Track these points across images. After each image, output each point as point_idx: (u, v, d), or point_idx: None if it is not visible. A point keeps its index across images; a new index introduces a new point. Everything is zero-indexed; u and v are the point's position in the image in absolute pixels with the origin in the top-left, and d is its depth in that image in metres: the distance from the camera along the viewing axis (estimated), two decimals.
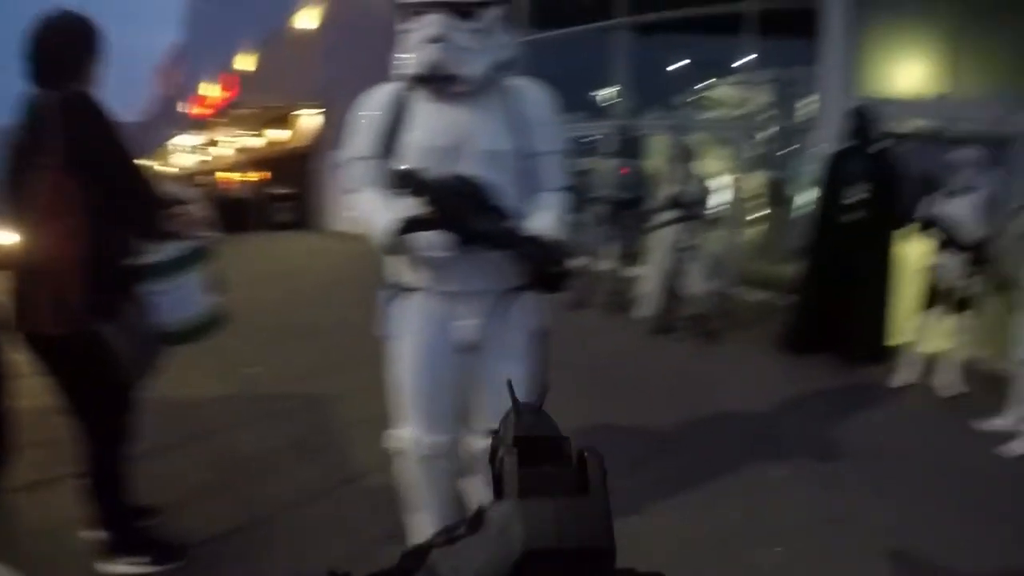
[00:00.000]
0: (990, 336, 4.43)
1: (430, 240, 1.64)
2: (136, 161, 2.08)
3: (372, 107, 1.89)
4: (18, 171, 1.90)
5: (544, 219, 1.77)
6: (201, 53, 28.73)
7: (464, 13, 1.68)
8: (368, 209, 1.79)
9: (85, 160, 1.84)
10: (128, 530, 2.16)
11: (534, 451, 0.55)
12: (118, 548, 2.14)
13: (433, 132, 1.78)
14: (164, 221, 2.14)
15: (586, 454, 0.53)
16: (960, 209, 4.16)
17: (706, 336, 5.30)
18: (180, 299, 2.09)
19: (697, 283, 5.34)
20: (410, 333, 1.86)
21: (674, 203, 5.32)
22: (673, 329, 5.46)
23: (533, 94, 1.89)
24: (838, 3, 6.21)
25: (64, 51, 1.96)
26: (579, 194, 5.08)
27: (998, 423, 3.68)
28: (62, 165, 1.81)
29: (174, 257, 2.11)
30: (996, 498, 3.02)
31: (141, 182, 2.05)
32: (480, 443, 1.91)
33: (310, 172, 16.21)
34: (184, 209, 2.30)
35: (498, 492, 0.53)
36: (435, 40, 1.68)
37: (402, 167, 1.71)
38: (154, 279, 2.04)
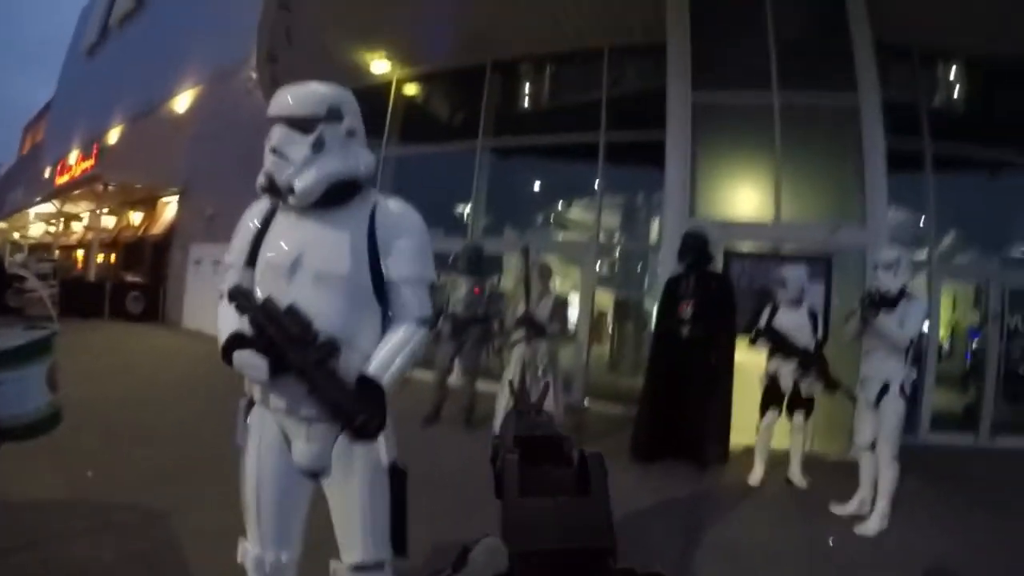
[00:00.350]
0: (829, 430, 5.18)
1: (248, 360, 1.65)
2: None
3: (250, 215, 1.89)
4: None
5: (379, 358, 1.70)
6: (72, 116, 27.30)
7: (303, 127, 1.72)
8: (220, 317, 1.78)
9: None
10: None
11: (535, 451, 0.76)
12: None
13: (277, 247, 1.77)
14: (8, 297, 1.89)
15: (587, 454, 0.76)
16: (791, 320, 4.73)
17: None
18: (19, 393, 2.02)
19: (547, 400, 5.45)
20: (253, 447, 1.83)
21: (527, 321, 5.47)
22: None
23: (394, 214, 1.78)
24: (678, 135, 6.77)
25: None
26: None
27: (852, 506, 4.09)
28: None
29: (18, 345, 2.03)
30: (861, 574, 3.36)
31: None
32: (339, 569, 1.81)
33: (165, 263, 15.38)
34: (31, 287, 2.06)
35: (499, 491, 0.77)
36: (272, 151, 1.72)
37: (234, 283, 1.76)
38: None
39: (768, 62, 6.60)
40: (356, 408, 1.60)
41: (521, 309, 5.60)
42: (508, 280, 8.83)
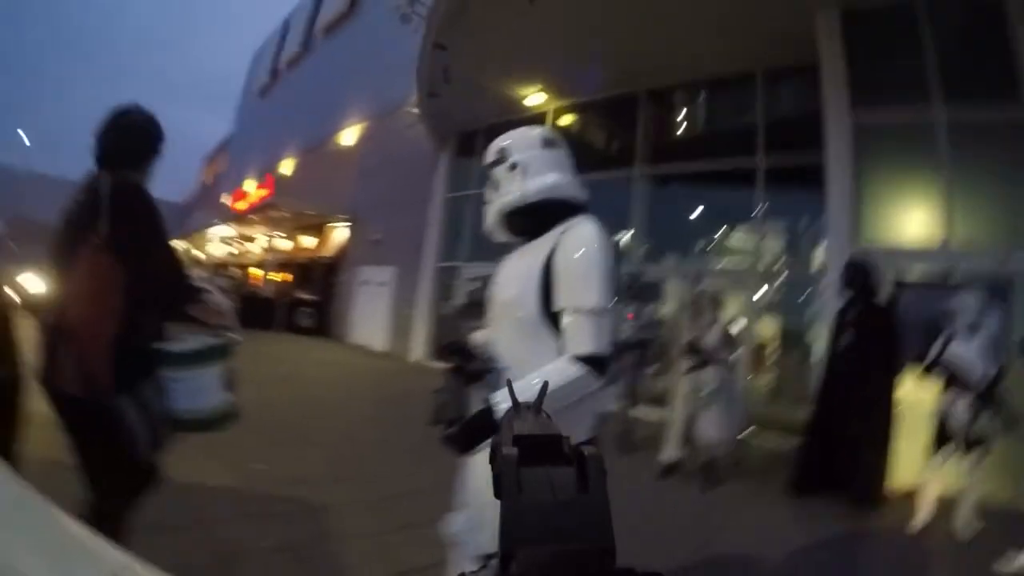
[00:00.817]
0: (1003, 474, 4.64)
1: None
2: (175, 251, 2.26)
3: None
4: (67, 240, 2.10)
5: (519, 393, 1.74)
6: (248, 149, 31.06)
7: (489, 176, 1.93)
8: None
9: (126, 244, 2.04)
10: None
11: (534, 450, 0.57)
12: None
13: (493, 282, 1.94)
14: (193, 308, 2.32)
15: (586, 453, 0.56)
16: (965, 351, 4.46)
17: (714, 481, 5.36)
18: (197, 389, 2.21)
19: (713, 429, 5.44)
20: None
21: (694, 349, 5.53)
22: (681, 472, 5.57)
23: (571, 237, 1.70)
24: (838, 156, 6.77)
25: (128, 143, 2.22)
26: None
27: (1022, 560, 3.74)
28: (105, 245, 2.01)
29: (198, 349, 2.24)
30: None
31: (176, 269, 2.23)
32: None
33: (335, 282, 17.19)
34: (212, 299, 2.44)
35: (497, 492, 0.55)
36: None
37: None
38: (176, 366, 2.18)
39: (927, 75, 6.42)
40: (449, 422, 1.67)
41: (688, 337, 5.65)
42: (666, 307, 9.06)
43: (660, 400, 7.41)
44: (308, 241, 19.43)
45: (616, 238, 10.22)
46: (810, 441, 5.32)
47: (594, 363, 1.61)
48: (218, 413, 2.35)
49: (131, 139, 2.23)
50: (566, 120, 11.44)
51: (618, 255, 1.79)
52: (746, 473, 5.73)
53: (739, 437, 5.81)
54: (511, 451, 0.57)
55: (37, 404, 2.43)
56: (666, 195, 9.89)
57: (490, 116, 12.24)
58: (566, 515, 0.51)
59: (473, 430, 1.59)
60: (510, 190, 1.84)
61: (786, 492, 5.24)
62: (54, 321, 2.10)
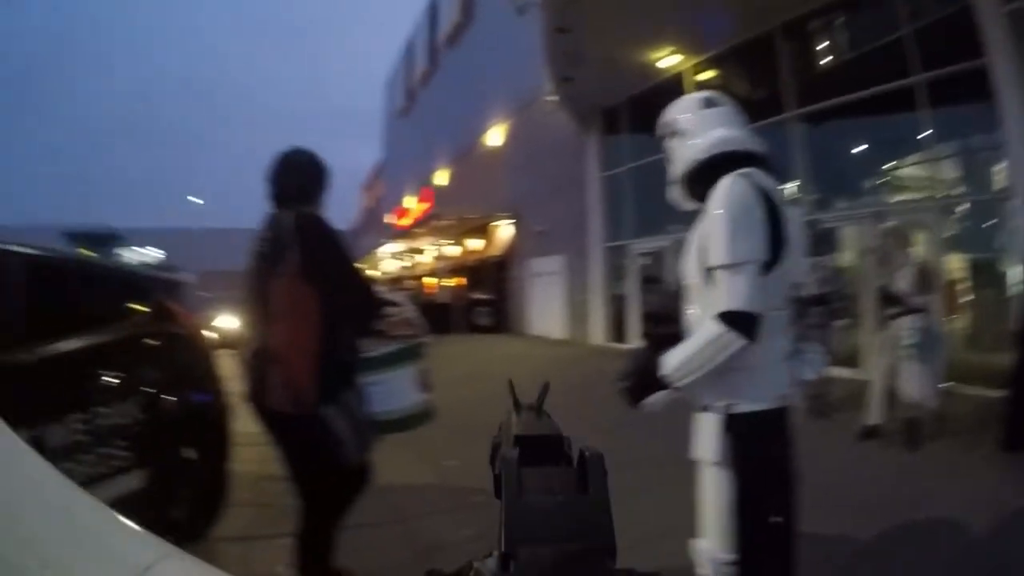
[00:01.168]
0: None
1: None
2: (360, 271, 2.50)
3: None
4: (259, 274, 2.33)
5: (672, 356, 1.75)
6: (400, 169, 33.52)
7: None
8: None
9: (316, 271, 2.24)
10: None
11: (535, 450, 0.57)
12: None
13: None
14: (381, 321, 2.50)
15: (587, 454, 0.56)
16: None
17: (919, 441, 5.01)
18: (393, 392, 2.36)
19: (916, 384, 4.99)
20: None
21: (889, 297, 5.12)
22: (882, 434, 5.22)
23: (712, 197, 1.73)
24: (1005, 54, 6.17)
25: (299, 181, 2.46)
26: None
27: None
28: (298, 274, 2.22)
29: (390, 353, 2.40)
30: None
31: (364, 288, 2.44)
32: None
33: (507, 279, 18.40)
34: (397, 311, 2.60)
35: (498, 492, 0.55)
36: None
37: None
38: (372, 372, 2.36)
39: None
40: (626, 376, 1.88)
41: (881, 284, 5.27)
42: (845, 256, 8.59)
43: (851, 358, 7.23)
44: (475, 244, 20.75)
45: (780, 188, 9.57)
46: (1018, 391, 4.84)
47: (734, 321, 1.61)
48: (414, 412, 2.50)
49: (301, 177, 2.47)
50: (705, 76, 11.40)
51: (774, 206, 1.71)
52: (952, 430, 5.29)
53: (942, 390, 5.30)
54: (512, 451, 0.59)
55: (240, 426, 2.99)
56: (823, 135, 9.38)
57: (628, 88, 12.51)
58: (567, 515, 0.52)
59: (642, 385, 1.82)
60: (680, 156, 1.92)
61: (1000, 448, 4.78)
62: (258, 347, 2.34)
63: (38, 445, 2.23)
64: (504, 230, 18.97)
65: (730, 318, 1.61)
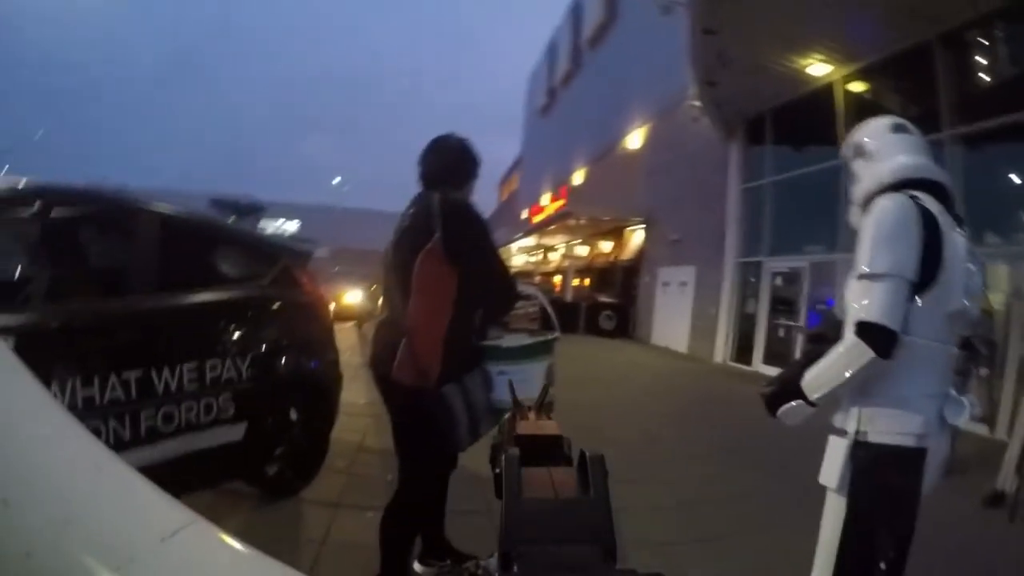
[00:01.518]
0: None
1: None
2: (500, 259, 2.52)
3: None
4: (401, 249, 2.41)
5: (812, 367, 1.77)
6: (537, 166, 34.16)
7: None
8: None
9: (459, 252, 2.29)
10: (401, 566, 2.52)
11: (536, 450, 0.57)
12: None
13: None
14: (513, 312, 2.58)
15: (587, 454, 0.55)
16: None
17: None
18: (524, 382, 2.29)
19: None
20: None
21: None
22: (1012, 503, 4.73)
23: (871, 210, 1.76)
24: None
25: (449, 164, 2.54)
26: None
27: None
28: (440, 252, 2.27)
29: (527, 344, 2.44)
30: None
31: (503, 276, 2.50)
32: None
33: (635, 285, 18.44)
34: (530, 304, 2.71)
35: (498, 492, 0.53)
36: None
37: None
38: (506, 361, 2.39)
39: None
40: (771, 383, 1.90)
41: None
42: (994, 298, 7.56)
43: (989, 415, 6.49)
44: (606, 246, 20.83)
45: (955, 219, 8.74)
46: None
47: (867, 332, 1.61)
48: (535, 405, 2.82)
49: (451, 160, 2.55)
50: (856, 88, 10.93)
51: (937, 230, 1.70)
52: None
53: None
54: (513, 451, 0.57)
55: (349, 396, 3.17)
56: (979, 159, 8.61)
57: (775, 96, 12.21)
58: (567, 515, 0.51)
59: (782, 393, 1.80)
60: (866, 177, 1.91)
61: None
62: (391, 318, 2.47)
63: (145, 385, 2.71)
64: (636, 235, 19.04)
65: (864, 329, 1.61)
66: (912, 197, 1.71)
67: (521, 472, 0.61)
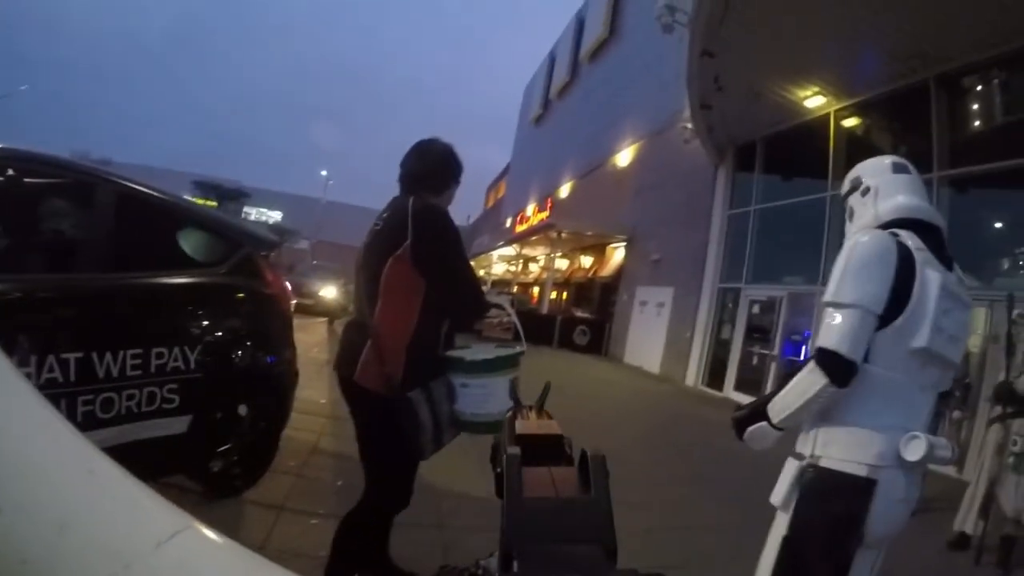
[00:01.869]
0: None
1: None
2: (470, 269, 2.52)
3: None
4: (372, 253, 2.39)
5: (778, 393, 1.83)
6: (525, 175, 34.19)
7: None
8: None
9: (427, 259, 2.29)
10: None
11: (536, 450, 0.58)
12: None
13: None
14: (482, 321, 2.58)
15: (589, 454, 0.55)
16: None
17: (1009, 562, 4.49)
18: (486, 396, 2.36)
19: (1014, 496, 4.55)
20: None
21: (1006, 393, 4.72)
22: (975, 546, 4.69)
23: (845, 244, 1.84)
24: None
25: (429, 170, 2.51)
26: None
27: None
28: (409, 259, 2.27)
29: (490, 359, 2.40)
30: None
31: (471, 286, 2.49)
32: None
33: (612, 302, 18.33)
34: (499, 314, 2.64)
35: (499, 491, 0.53)
36: None
37: None
38: (469, 374, 2.37)
39: None
40: (741, 407, 1.96)
41: (1003, 378, 4.80)
42: (969, 341, 7.83)
43: (961, 455, 6.49)
44: (586, 261, 20.83)
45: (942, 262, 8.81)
46: None
47: (823, 360, 1.64)
48: (502, 419, 2.54)
49: (432, 166, 2.52)
50: (849, 123, 11.06)
51: (912, 267, 1.70)
52: None
53: None
54: (514, 450, 0.57)
55: (306, 395, 3.05)
56: (966, 203, 8.76)
57: (768, 124, 12.31)
58: (568, 514, 0.51)
59: (750, 417, 1.85)
60: (864, 214, 1.93)
61: None
62: (358, 321, 2.46)
63: (85, 368, 2.59)
64: (618, 252, 19.06)
65: (822, 355, 1.64)
66: (893, 234, 1.74)
67: (522, 472, 0.60)
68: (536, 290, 26.92)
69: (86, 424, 2.55)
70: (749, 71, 10.79)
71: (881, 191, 1.90)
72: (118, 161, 39.24)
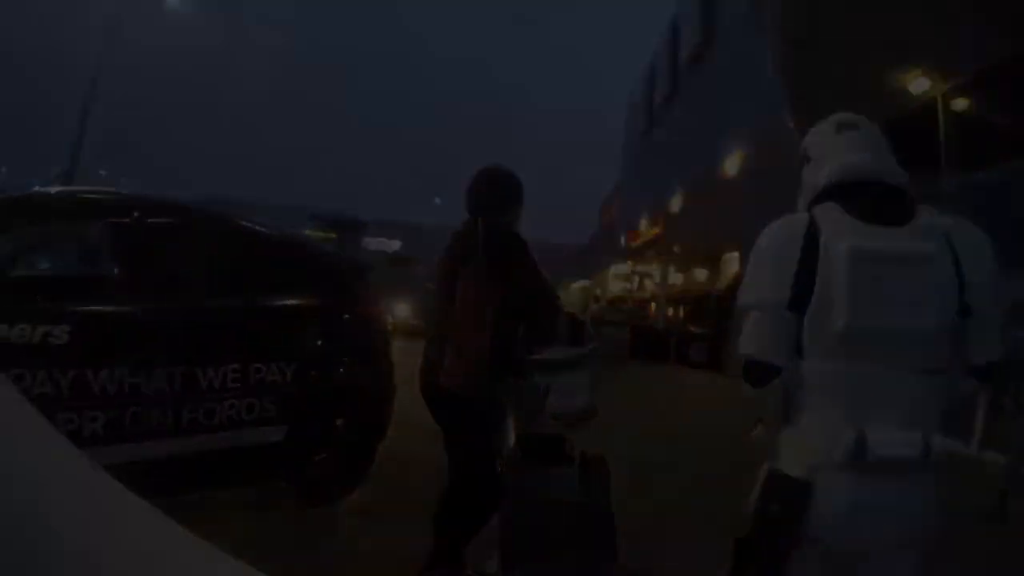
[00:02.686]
0: None
1: None
2: (542, 278, 2.74)
3: None
4: (450, 270, 2.63)
5: None
6: (637, 190, 34.15)
7: None
8: None
9: (500, 274, 2.53)
10: None
11: (537, 451, 0.83)
12: None
13: None
14: (557, 328, 2.77)
15: (589, 455, 0.78)
16: None
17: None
18: (565, 392, 2.52)
19: None
20: None
21: None
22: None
23: None
24: None
25: (495, 194, 2.76)
26: None
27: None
28: (483, 278, 2.51)
29: (567, 358, 2.62)
30: None
31: (544, 295, 2.74)
32: None
33: (730, 315, 17.76)
34: (574, 323, 2.86)
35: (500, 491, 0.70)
36: None
37: None
38: (549, 372, 2.57)
39: None
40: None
41: None
42: None
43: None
44: (700, 274, 20.49)
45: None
46: None
47: (743, 364, 1.60)
48: (582, 413, 2.63)
49: (497, 191, 2.77)
50: (960, 105, 10.33)
51: (810, 240, 1.52)
52: None
53: None
54: (514, 451, 0.86)
55: (411, 410, 3.03)
56: None
57: (873, 116, 11.59)
58: (569, 516, 0.62)
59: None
60: (806, 186, 1.74)
61: None
62: (440, 333, 2.65)
63: (191, 382, 3.08)
64: (732, 264, 18.63)
65: (742, 363, 1.59)
66: (801, 215, 1.61)
67: (522, 473, 0.61)
68: (653, 305, 26.77)
69: (190, 429, 3.07)
70: (846, 60, 10.34)
71: (826, 156, 1.67)
72: (236, 196, 43.20)
